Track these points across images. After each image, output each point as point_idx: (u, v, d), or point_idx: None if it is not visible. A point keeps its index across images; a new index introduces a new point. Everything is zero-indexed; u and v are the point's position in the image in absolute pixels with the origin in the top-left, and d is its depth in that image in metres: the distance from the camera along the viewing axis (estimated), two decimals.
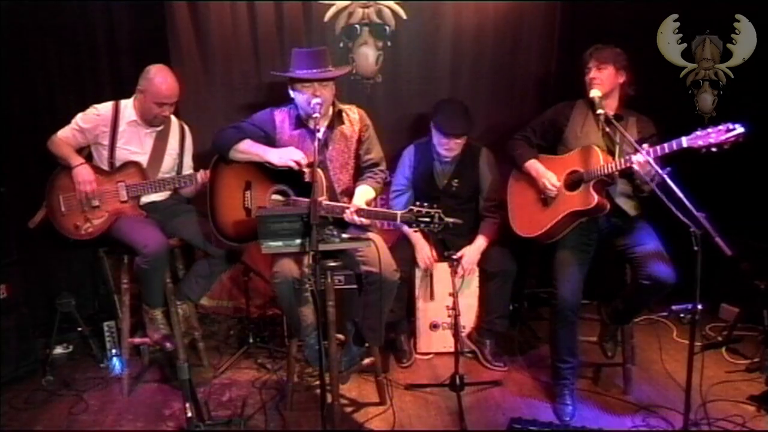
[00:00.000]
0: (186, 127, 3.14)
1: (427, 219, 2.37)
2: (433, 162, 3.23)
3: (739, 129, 2.30)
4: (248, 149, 2.70)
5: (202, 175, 2.92)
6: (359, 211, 2.52)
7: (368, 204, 2.67)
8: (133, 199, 2.95)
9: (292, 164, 2.60)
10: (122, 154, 2.95)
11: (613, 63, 2.73)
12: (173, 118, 3.07)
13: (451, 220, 2.39)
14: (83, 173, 2.87)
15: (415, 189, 3.29)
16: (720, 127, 2.33)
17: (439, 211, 2.38)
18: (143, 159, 2.97)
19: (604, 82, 2.72)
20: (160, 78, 2.85)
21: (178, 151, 3.08)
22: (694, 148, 2.37)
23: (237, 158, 2.73)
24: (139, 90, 2.90)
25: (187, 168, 3.13)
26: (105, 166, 2.96)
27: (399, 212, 2.43)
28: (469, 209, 3.25)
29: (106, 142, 2.94)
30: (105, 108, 2.94)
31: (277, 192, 2.74)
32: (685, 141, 2.39)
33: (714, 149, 2.34)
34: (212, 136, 2.81)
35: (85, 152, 3.00)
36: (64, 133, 2.93)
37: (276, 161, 2.63)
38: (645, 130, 2.76)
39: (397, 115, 3.64)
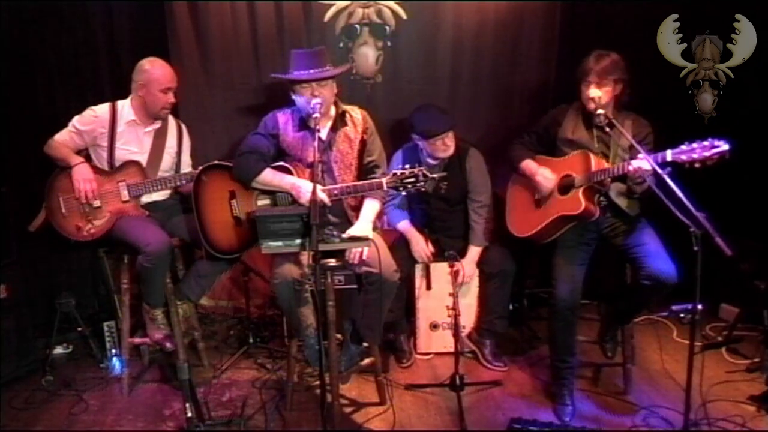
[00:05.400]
0: (183, 126, 3.16)
1: (413, 179, 2.44)
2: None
3: (724, 146, 2.29)
4: (270, 181, 2.70)
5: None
6: (345, 190, 2.58)
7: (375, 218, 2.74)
8: (134, 198, 2.95)
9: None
10: (121, 155, 2.94)
11: (614, 77, 2.65)
12: (170, 117, 3.07)
13: (435, 175, 2.47)
14: (83, 172, 2.87)
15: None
16: (705, 143, 2.31)
17: (422, 169, 2.44)
18: (142, 158, 2.97)
19: (602, 98, 2.66)
20: (157, 66, 2.91)
21: (177, 149, 3.09)
22: (678, 163, 2.36)
23: (257, 187, 2.76)
24: (139, 86, 2.90)
25: (185, 166, 3.13)
26: (104, 167, 2.96)
27: (384, 180, 2.50)
28: (460, 210, 3.25)
29: (104, 143, 2.93)
30: (102, 110, 2.93)
31: (262, 194, 2.77)
32: (669, 154, 2.39)
33: (697, 165, 2.33)
34: (234, 160, 2.79)
35: (83, 155, 2.99)
36: (61, 137, 2.92)
37: (303, 203, 2.58)
38: (641, 131, 2.73)
39: (397, 115, 3.63)
